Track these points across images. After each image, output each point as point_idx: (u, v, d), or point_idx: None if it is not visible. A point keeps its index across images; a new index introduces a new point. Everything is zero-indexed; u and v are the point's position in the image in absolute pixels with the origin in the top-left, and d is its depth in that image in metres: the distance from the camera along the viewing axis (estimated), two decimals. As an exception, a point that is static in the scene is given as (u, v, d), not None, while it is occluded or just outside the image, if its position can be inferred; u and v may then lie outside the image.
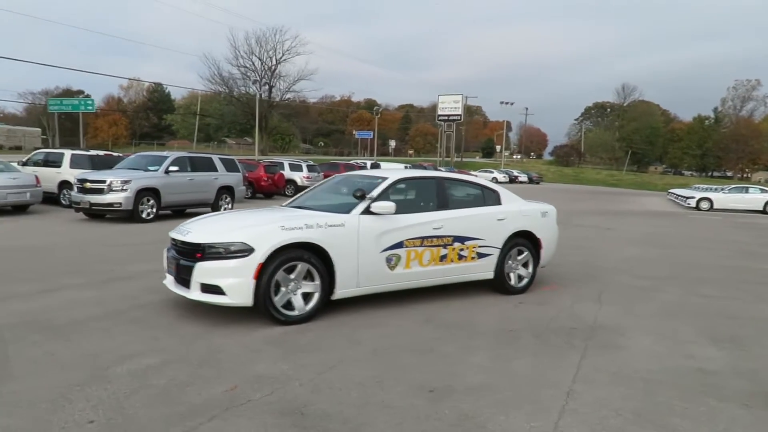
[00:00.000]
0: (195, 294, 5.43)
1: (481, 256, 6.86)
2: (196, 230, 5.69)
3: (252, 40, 70.19)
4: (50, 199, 16.26)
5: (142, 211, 13.86)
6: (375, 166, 33.66)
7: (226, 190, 16.64)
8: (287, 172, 26.54)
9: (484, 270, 6.96)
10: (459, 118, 54.40)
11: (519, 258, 7.31)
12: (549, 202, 8.20)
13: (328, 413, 3.57)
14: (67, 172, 16.19)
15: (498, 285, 7.15)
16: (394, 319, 5.87)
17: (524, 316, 6.17)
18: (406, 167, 33.38)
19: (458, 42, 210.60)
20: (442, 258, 6.53)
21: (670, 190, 41.57)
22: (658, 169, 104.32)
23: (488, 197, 7.23)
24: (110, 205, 13.45)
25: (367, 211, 6.01)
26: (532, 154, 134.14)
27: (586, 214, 22.71)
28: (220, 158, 16.91)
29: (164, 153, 15.72)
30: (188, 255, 5.54)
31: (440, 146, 56.72)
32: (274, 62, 69.44)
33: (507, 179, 58.34)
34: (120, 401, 3.63)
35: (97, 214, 13.87)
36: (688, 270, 9.70)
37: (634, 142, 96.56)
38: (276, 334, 5.19)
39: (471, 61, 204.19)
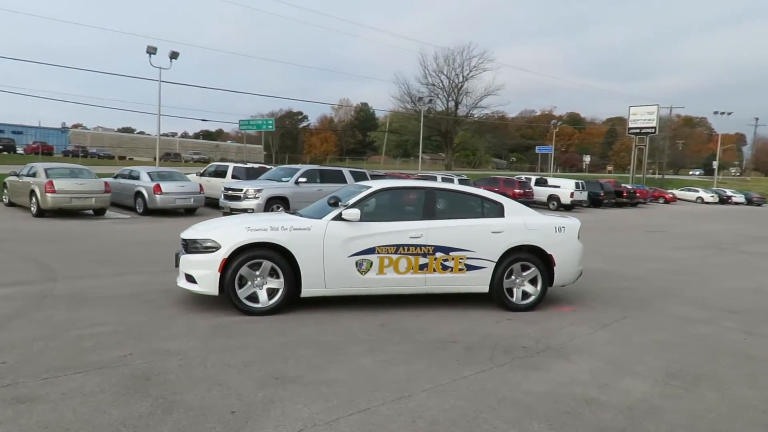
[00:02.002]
0: (181, 282, 6.42)
1: (470, 268, 6.78)
2: (194, 229, 6.69)
3: (440, 59, 72.31)
4: (216, 204, 19.10)
5: (270, 217, 15.68)
6: (541, 182, 32.67)
7: (355, 201, 17.85)
8: (440, 186, 27.16)
9: (477, 283, 6.85)
10: (653, 131, 49.60)
11: (524, 274, 7.02)
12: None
13: (166, 380, 4.18)
14: (228, 181, 18.91)
15: (497, 300, 6.97)
16: (352, 320, 6.18)
17: (491, 331, 6.01)
18: (578, 183, 31.83)
19: (682, 47, 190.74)
20: (422, 267, 6.63)
21: None
22: None
23: (488, 209, 7.10)
24: (245, 210, 15.45)
25: (339, 218, 6.43)
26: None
27: None
28: (350, 171, 18.24)
29: (298, 166, 17.54)
30: (183, 249, 6.56)
31: (633, 161, 52.32)
32: (461, 79, 70.92)
33: (716, 199, 51.61)
34: (45, 348, 4.67)
35: (236, 218, 16.02)
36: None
37: None
38: (230, 321, 5.91)
39: (698, 68, 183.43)
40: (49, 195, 14.66)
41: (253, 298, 6.25)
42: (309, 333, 5.64)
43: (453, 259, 6.73)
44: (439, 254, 6.67)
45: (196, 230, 6.54)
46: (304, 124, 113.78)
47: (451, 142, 72.66)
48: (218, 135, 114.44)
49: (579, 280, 7.63)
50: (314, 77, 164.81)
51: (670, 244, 16.27)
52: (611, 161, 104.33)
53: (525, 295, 7.06)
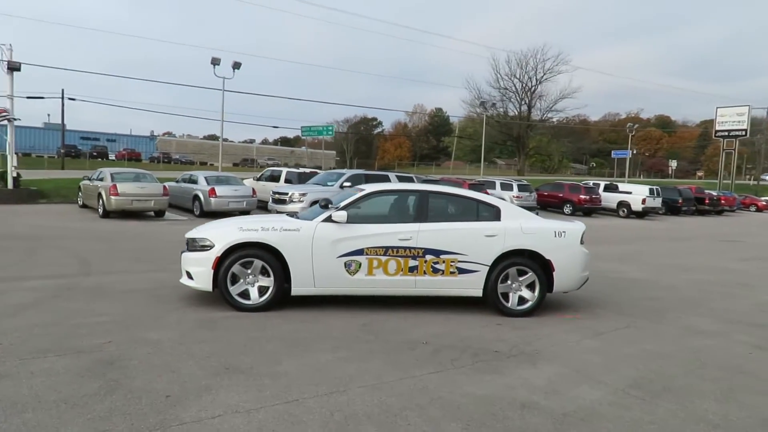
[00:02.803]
0: (183, 278, 6.83)
1: (462, 271, 6.76)
2: (197, 229, 7.09)
3: (513, 62, 71.08)
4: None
5: (315, 220, 16.14)
6: (611, 188, 31.41)
7: (402, 205, 17.99)
8: (497, 191, 26.79)
9: (470, 287, 6.82)
10: (743, 133, 46.17)
11: (521, 279, 6.91)
12: None
13: (127, 366, 4.52)
14: (277, 185, 19.60)
15: (491, 304, 6.90)
16: (336, 319, 6.34)
17: (471, 335, 5.99)
18: (653, 189, 30.33)
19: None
20: (412, 269, 6.69)
21: None
22: None
23: (484, 213, 7.04)
24: (291, 213, 15.97)
25: (328, 220, 6.62)
26: None
27: None
28: (396, 175, 18.42)
29: (344, 170, 17.90)
30: (186, 247, 6.98)
31: (720, 166, 48.98)
32: (534, 82, 69.37)
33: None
34: (41, 333, 5.17)
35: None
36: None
37: None
38: (220, 316, 6.23)
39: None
40: (113, 197, 15.83)
41: (245, 295, 6.56)
42: (288, 330, 5.86)
43: (444, 262, 6.73)
44: (429, 257, 6.70)
45: (198, 230, 6.94)
46: (379, 130, 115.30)
47: (523, 147, 71.14)
48: (296, 141, 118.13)
49: (602, 288, 7.41)
50: (390, 84, 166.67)
51: (736, 254, 15.25)
52: (703, 166, 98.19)
53: (521, 300, 6.94)
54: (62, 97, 42.85)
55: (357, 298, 7.04)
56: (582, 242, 7.15)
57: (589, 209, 28.40)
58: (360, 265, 6.62)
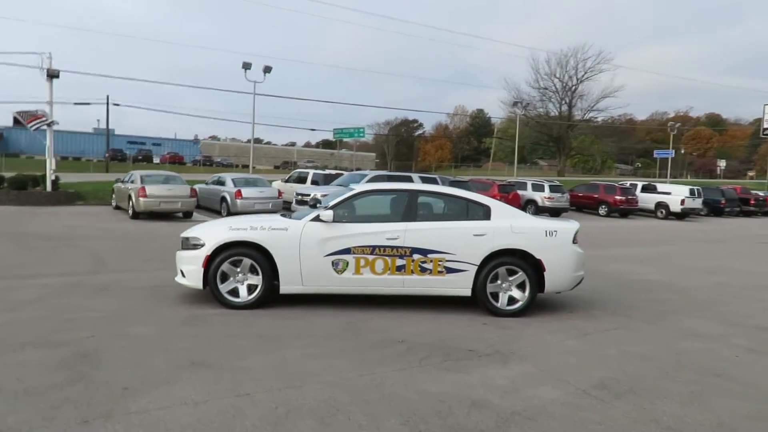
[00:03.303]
0: (178, 276, 7.02)
1: (450, 270, 6.72)
2: (191, 228, 7.27)
3: (553, 62, 69.76)
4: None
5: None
6: (649, 188, 30.51)
7: (425, 207, 17.93)
8: (528, 192, 26.46)
9: (458, 286, 6.78)
10: (794, 130, 44.09)
11: (511, 278, 6.83)
12: None
13: (99, 359, 4.69)
14: (301, 187, 19.86)
15: (480, 304, 6.84)
16: (321, 317, 6.39)
17: (451, 334, 5.95)
18: (693, 190, 29.31)
19: None
20: (399, 268, 6.69)
21: None
22: None
23: (474, 212, 6.98)
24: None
25: (316, 219, 6.70)
26: None
27: None
28: (420, 177, 18.40)
29: (366, 171, 17.99)
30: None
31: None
32: (575, 81, 67.93)
33: None
34: (30, 327, 5.42)
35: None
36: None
37: None
38: (208, 313, 6.39)
39: None
40: (141, 199, 16.37)
41: (235, 292, 6.70)
42: (268, 326, 5.95)
43: (431, 261, 6.71)
44: (416, 256, 6.69)
45: (192, 229, 7.12)
46: (420, 132, 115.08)
47: (564, 147, 69.75)
48: (337, 144, 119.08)
49: (611, 289, 7.26)
50: (432, 87, 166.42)
51: (769, 256, 14.62)
52: (755, 166, 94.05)
53: (512, 300, 6.85)
54: (107, 103, 44.58)
55: (351, 297, 7.07)
56: (575, 241, 7.00)
57: (625, 210, 27.66)
58: (347, 264, 6.66)
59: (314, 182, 20.35)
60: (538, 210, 25.85)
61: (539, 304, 7.15)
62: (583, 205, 28.53)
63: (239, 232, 6.65)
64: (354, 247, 6.65)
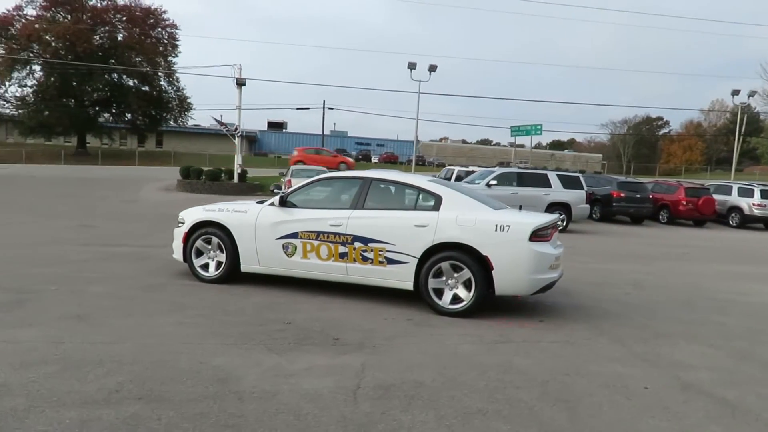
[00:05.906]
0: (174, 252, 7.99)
1: (391, 262, 6.52)
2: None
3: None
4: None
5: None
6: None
7: (561, 207, 16.61)
8: (733, 198, 22.49)
9: (400, 278, 6.53)
10: None
11: (456, 275, 6.33)
12: None
13: (27, 300, 5.82)
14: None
15: (424, 300, 6.48)
16: (259, 297, 6.74)
17: (350, 323, 5.80)
18: None
19: None
20: (342, 255, 6.71)
21: None
22: None
23: (423, 202, 6.63)
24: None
25: (272, 204, 7.09)
26: None
27: None
28: (557, 175, 17.06)
29: (494, 168, 17.33)
30: (178, 224, 8.13)
31: None
32: None
33: None
34: (32, 276, 6.90)
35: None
36: None
37: None
38: (180, 283, 7.25)
39: None
40: (287, 188, 18.39)
41: (206, 267, 7.45)
42: (198, 299, 6.49)
43: (372, 250, 6.59)
44: (357, 244, 6.64)
45: (184, 210, 8.02)
46: (665, 130, 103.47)
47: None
48: (570, 144, 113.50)
49: (609, 296, 6.36)
50: (681, 81, 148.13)
51: None
52: None
53: (456, 299, 6.35)
54: (323, 108, 49.97)
55: (312, 281, 7.17)
56: (532, 239, 6.15)
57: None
58: (296, 248, 6.92)
59: (458, 179, 20.28)
60: (744, 219, 21.94)
61: (521, 305, 6.55)
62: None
63: (209, 213, 7.38)
64: (301, 232, 6.87)
